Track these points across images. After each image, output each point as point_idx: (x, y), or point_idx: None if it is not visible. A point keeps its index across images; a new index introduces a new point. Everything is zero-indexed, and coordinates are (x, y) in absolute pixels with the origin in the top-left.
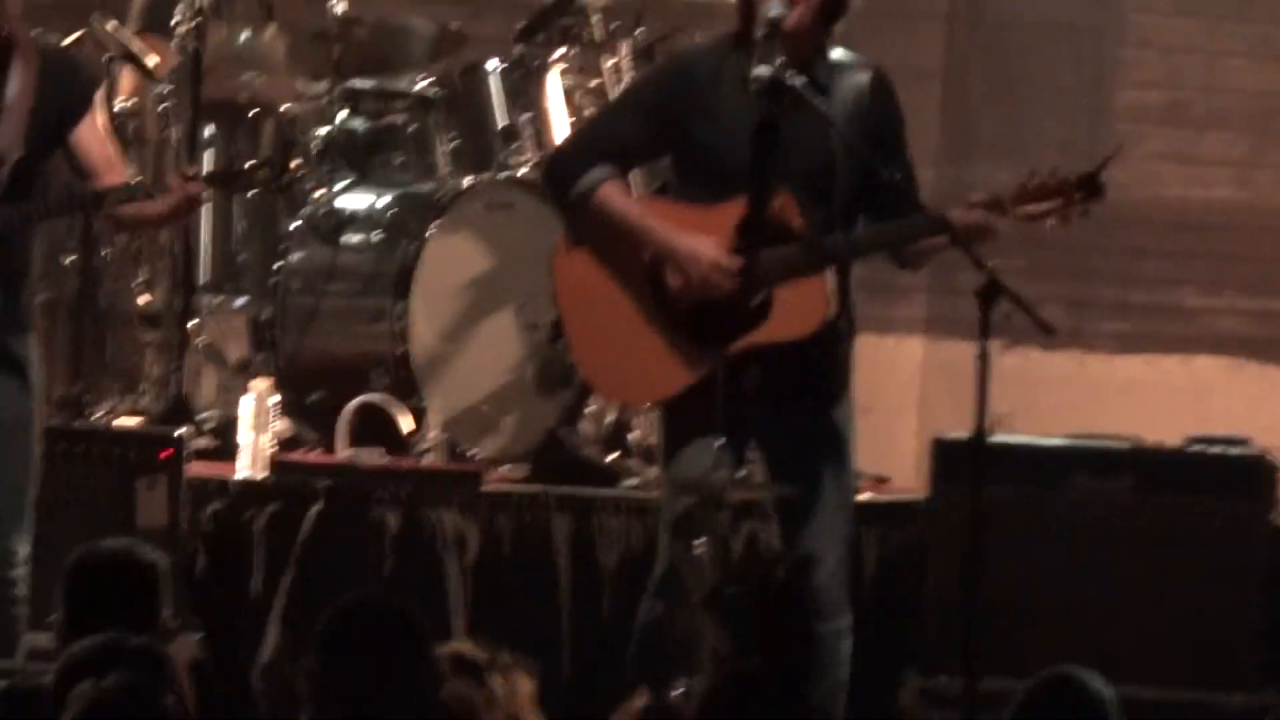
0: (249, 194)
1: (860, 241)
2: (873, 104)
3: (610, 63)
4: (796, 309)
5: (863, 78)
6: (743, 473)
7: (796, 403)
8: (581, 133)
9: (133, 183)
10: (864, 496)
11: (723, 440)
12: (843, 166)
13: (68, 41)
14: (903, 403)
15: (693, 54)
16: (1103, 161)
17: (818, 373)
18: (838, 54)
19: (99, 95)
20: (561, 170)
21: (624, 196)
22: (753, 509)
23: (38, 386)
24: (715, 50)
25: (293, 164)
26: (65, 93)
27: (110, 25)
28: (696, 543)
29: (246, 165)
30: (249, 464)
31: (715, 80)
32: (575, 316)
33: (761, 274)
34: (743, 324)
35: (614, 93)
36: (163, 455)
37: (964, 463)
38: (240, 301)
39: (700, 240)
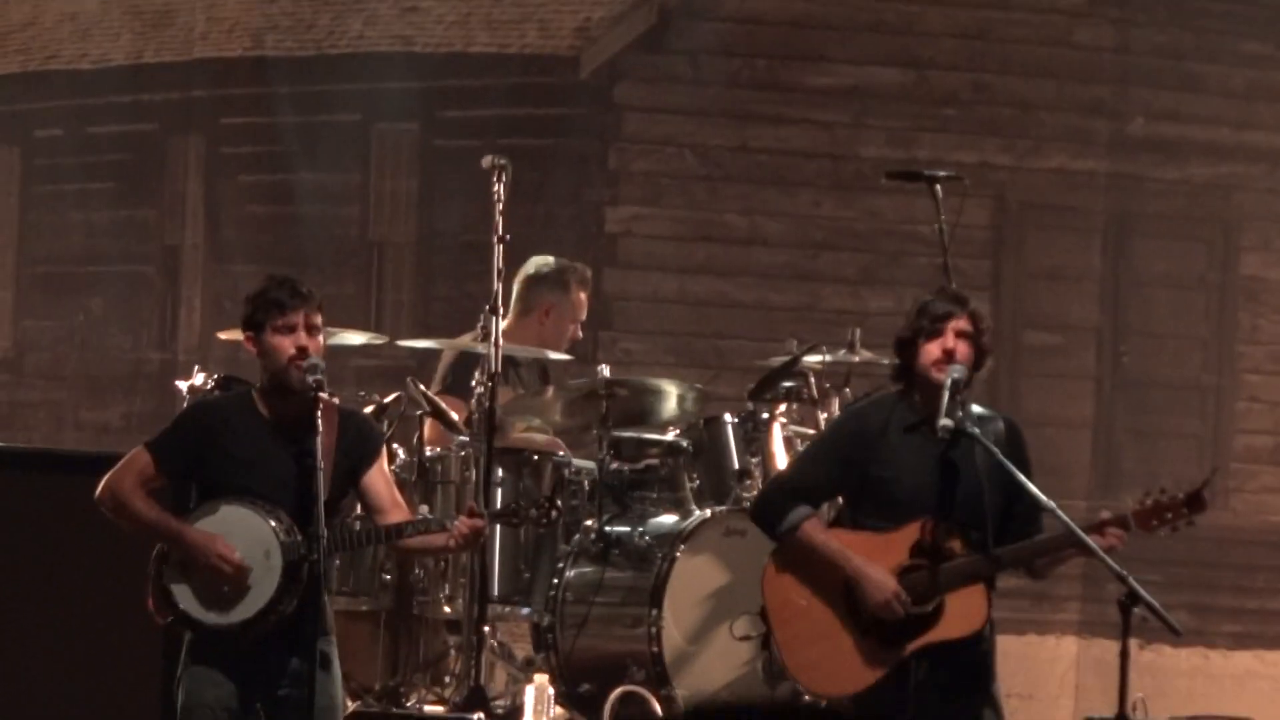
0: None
1: (1024, 553)
2: (1008, 446)
3: (824, 417)
4: (963, 612)
5: (1000, 425)
6: None
7: (958, 685)
8: (781, 480)
9: (423, 519)
10: None
11: None
12: (992, 496)
13: (387, 400)
14: (1060, 690)
15: (863, 410)
16: (1203, 482)
17: (976, 659)
18: (977, 407)
19: (383, 449)
20: (768, 511)
21: (822, 531)
22: None
23: (338, 677)
24: (881, 405)
25: (559, 503)
26: (359, 446)
27: (421, 387)
28: None
29: (522, 505)
30: None
31: (884, 429)
32: (781, 624)
33: (939, 585)
34: (919, 626)
35: None
36: None
37: None
38: (526, 610)
39: (883, 573)
